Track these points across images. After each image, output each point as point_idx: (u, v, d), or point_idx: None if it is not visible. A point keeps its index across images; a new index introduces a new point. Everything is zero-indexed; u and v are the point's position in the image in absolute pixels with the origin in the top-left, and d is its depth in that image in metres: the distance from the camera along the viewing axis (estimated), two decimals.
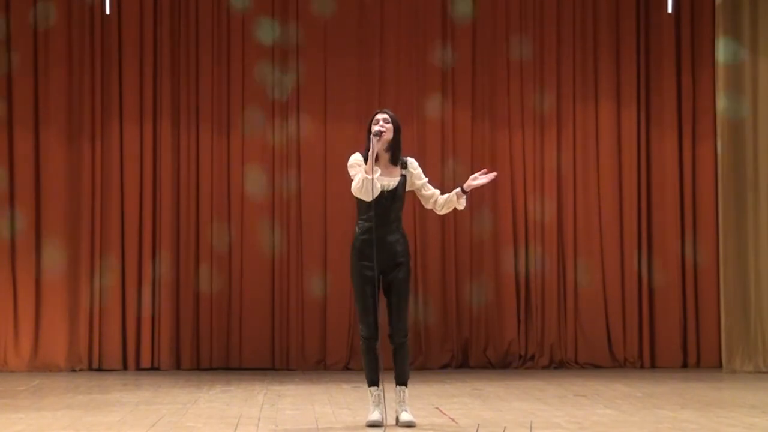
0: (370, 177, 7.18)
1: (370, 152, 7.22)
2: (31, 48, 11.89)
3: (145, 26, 11.97)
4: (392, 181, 7.32)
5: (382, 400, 7.33)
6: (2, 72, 11.86)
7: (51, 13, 11.89)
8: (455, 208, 7.49)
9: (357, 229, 7.34)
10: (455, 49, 12.20)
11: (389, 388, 7.45)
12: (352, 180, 7.30)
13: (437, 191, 7.52)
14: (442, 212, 7.56)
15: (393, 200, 7.31)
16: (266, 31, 12.08)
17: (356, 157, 7.36)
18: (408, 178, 7.41)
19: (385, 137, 7.29)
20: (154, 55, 11.96)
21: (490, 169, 7.66)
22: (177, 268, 11.89)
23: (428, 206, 7.55)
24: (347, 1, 12.16)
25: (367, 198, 7.22)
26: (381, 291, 7.36)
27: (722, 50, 11.84)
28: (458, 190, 7.43)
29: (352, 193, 7.30)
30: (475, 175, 7.48)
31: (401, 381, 7.35)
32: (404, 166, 7.40)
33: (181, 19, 12.03)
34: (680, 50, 12.31)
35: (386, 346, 7.31)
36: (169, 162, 11.93)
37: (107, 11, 11.51)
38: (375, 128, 7.27)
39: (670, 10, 11.90)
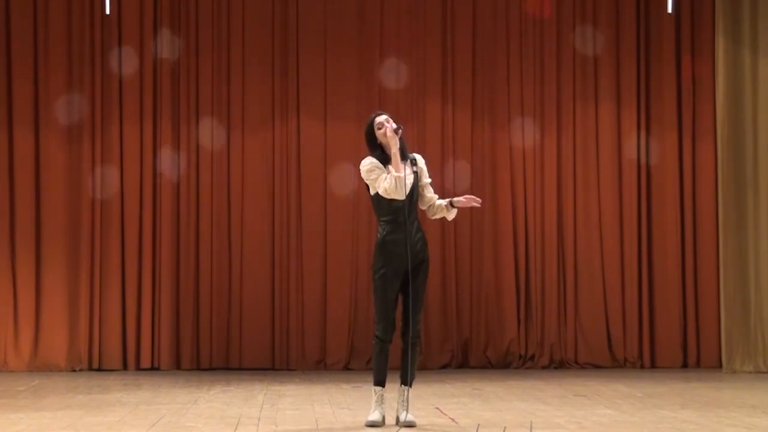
0: (400, 175, 7.19)
1: (393, 149, 7.24)
2: (31, 48, 11.89)
3: (145, 26, 11.97)
4: (411, 178, 7.32)
5: (385, 401, 7.36)
6: (2, 72, 11.85)
7: (51, 12, 11.88)
8: (444, 217, 7.52)
9: (381, 230, 7.32)
10: (455, 48, 12.20)
11: (392, 388, 7.45)
12: (369, 185, 7.33)
13: (436, 195, 7.54)
14: (433, 217, 7.59)
15: (413, 197, 7.32)
16: (266, 31, 12.07)
17: (373, 162, 7.35)
18: (419, 174, 7.42)
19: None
20: (154, 55, 11.97)
21: (490, 169, 7.67)
22: (177, 268, 11.89)
23: (423, 207, 7.54)
24: (348, 0, 12.16)
25: (401, 196, 7.23)
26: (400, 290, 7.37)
27: (722, 50, 11.84)
28: (447, 202, 7.46)
29: (372, 195, 7.33)
30: (469, 196, 7.47)
31: (407, 381, 7.33)
32: (414, 162, 7.41)
33: (181, 19, 12.03)
34: (680, 50, 12.30)
35: (395, 346, 7.31)
36: (169, 162, 11.93)
37: (107, 11, 11.51)
38: (392, 125, 7.29)
39: (670, 10, 11.90)
